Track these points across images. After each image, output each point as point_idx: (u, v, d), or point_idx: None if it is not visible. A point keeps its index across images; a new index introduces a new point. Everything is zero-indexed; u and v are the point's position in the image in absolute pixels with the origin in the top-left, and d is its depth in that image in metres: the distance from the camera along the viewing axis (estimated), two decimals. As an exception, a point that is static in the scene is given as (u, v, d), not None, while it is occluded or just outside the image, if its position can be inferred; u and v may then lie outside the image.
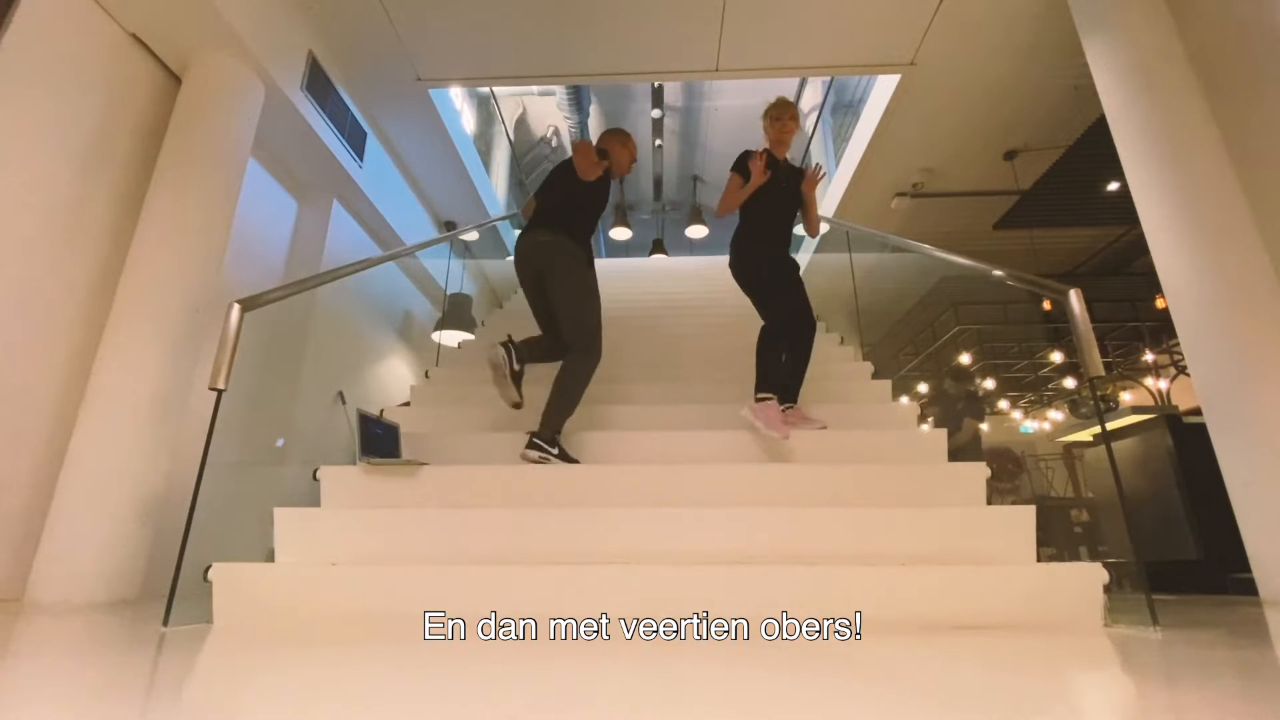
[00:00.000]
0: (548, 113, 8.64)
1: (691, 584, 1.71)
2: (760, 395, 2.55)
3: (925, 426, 2.82)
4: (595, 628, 1.54)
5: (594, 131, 9.02)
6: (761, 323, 2.79)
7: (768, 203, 2.83)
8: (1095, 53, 3.11)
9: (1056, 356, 7.64)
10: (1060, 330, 7.47)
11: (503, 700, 0.89)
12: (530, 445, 2.38)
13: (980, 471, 2.16)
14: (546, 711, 0.83)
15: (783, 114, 2.85)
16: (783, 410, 2.59)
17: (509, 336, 2.63)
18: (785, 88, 7.75)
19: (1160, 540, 3.70)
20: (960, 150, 5.16)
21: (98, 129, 2.90)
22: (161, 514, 2.61)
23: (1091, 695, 0.99)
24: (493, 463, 2.44)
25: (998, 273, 2.40)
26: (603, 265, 3.27)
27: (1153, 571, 3.01)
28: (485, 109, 7.27)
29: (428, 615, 1.69)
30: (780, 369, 2.68)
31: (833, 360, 3.73)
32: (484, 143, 7.08)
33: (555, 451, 2.39)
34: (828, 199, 6.28)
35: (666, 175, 10.21)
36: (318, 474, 2.22)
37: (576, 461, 2.42)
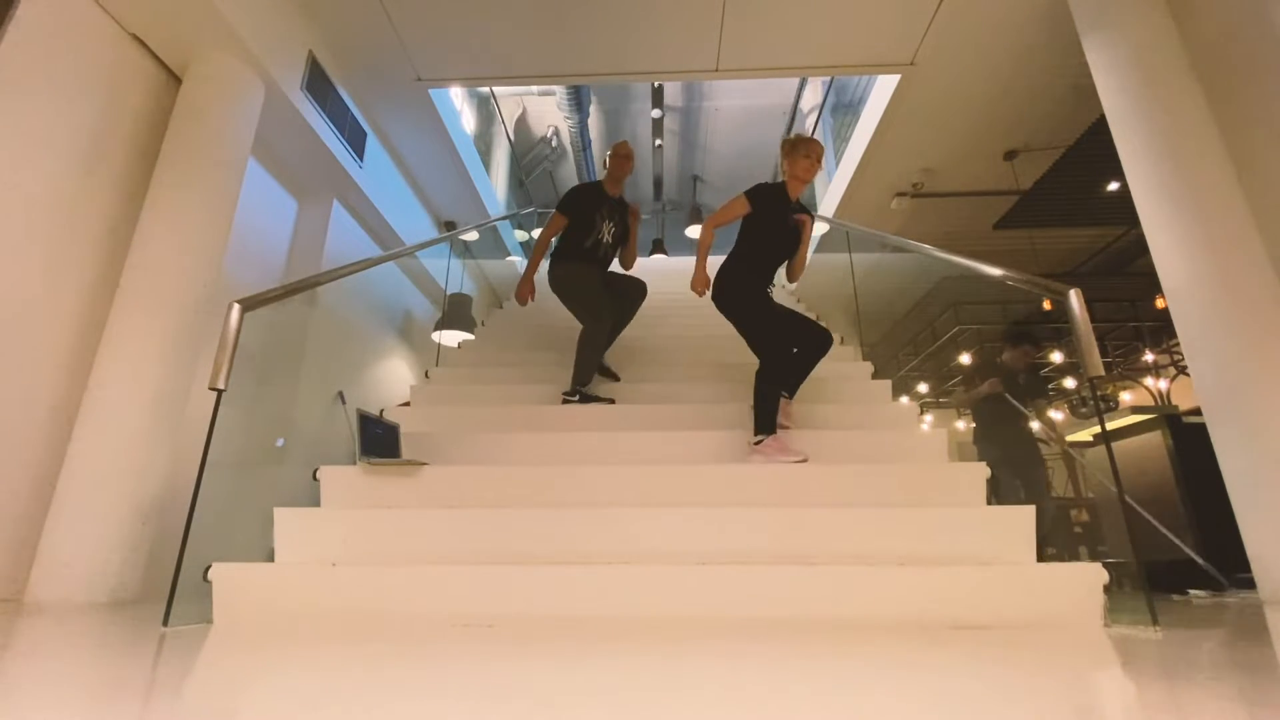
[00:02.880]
0: (548, 113, 8.64)
1: (692, 584, 1.71)
2: (758, 438, 2.41)
3: (925, 426, 2.82)
4: (596, 627, 1.54)
5: (595, 131, 9.03)
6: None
7: (775, 241, 2.74)
8: (1095, 53, 3.11)
9: (1056, 356, 7.63)
10: (1060, 330, 7.47)
11: (505, 699, 0.89)
12: (563, 400, 3.08)
13: (980, 471, 2.16)
14: (548, 710, 0.83)
15: (811, 151, 2.72)
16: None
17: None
18: (785, 88, 7.78)
19: (1160, 540, 3.70)
20: (960, 150, 5.16)
21: (98, 128, 2.90)
22: (161, 514, 2.61)
23: (1091, 695, 0.99)
24: (493, 463, 2.45)
25: (998, 273, 2.40)
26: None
27: (1153, 571, 3.01)
28: (485, 109, 7.27)
29: (427, 615, 1.69)
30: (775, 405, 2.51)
31: (833, 360, 3.73)
32: (484, 143, 7.08)
33: (576, 399, 3.05)
34: (828, 199, 6.28)
35: (666, 175, 10.21)
36: (318, 474, 2.22)
37: (608, 400, 3.10)
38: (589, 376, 3.15)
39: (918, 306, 7.63)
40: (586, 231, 3.29)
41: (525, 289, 3.35)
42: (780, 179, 2.85)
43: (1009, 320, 7.31)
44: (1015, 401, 3.96)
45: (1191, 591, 3.13)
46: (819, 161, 2.74)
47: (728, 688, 0.99)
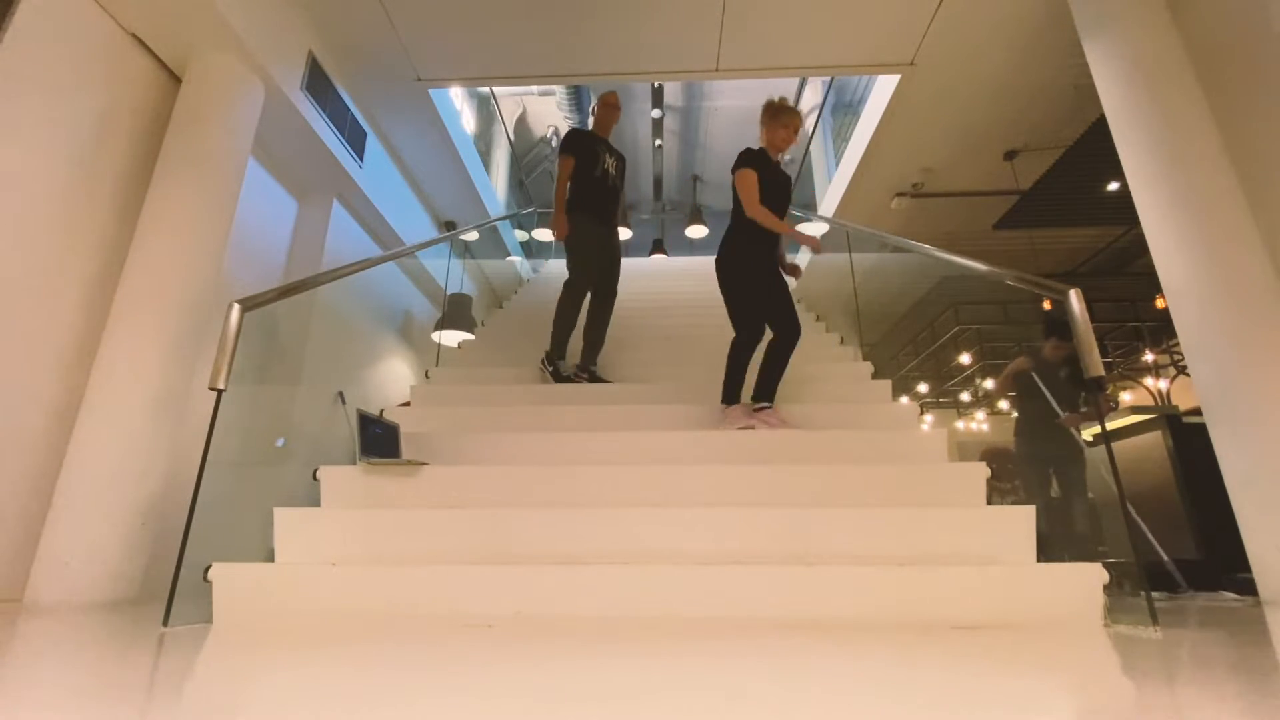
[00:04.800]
0: (548, 113, 8.65)
1: (692, 584, 1.71)
2: (726, 404, 2.73)
3: (925, 426, 2.82)
4: (595, 627, 1.54)
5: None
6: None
7: (773, 202, 2.81)
8: (1095, 53, 3.10)
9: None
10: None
11: (505, 699, 0.89)
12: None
13: (980, 471, 2.16)
14: (549, 709, 0.83)
15: (790, 122, 2.84)
16: (756, 410, 2.66)
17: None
18: (785, 88, 7.77)
19: (1160, 540, 3.70)
20: (960, 150, 5.16)
21: (98, 129, 2.90)
22: (161, 514, 2.61)
23: (1091, 695, 0.99)
24: (493, 463, 2.45)
25: (998, 273, 2.39)
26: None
27: (1153, 571, 3.01)
28: (485, 109, 7.27)
29: (427, 615, 1.69)
30: (742, 376, 2.76)
31: (833, 360, 3.73)
32: (484, 143, 7.08)
33: (551, 369, 3.37)
34: (828, 199, 6.28)
35: (666, 175, 10.21)
36: (318, 474, 2.22)
37: (571, 380, 3.31)
38: (561, 340, 3.42)
39: (918, 306, 7.63)
40: (593, 163, 3.50)
41: (560, 225, 3.46)
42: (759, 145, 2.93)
43: (1009, 321, 7.32)
44: (1053, 396, 3.90)
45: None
46: (796, 134, 2.86)
47: (727, 688, 0.99)
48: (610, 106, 3.69)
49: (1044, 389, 3.96)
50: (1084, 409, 3.93)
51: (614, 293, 3.56)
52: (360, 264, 3.26)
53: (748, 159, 2.82)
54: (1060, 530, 3.80)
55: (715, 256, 2.95)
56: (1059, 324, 4.11)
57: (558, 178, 3.54)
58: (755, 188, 2.75)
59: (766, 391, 2.72)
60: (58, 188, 2.72)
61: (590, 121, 3.74)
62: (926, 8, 3.81)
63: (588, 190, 3.47)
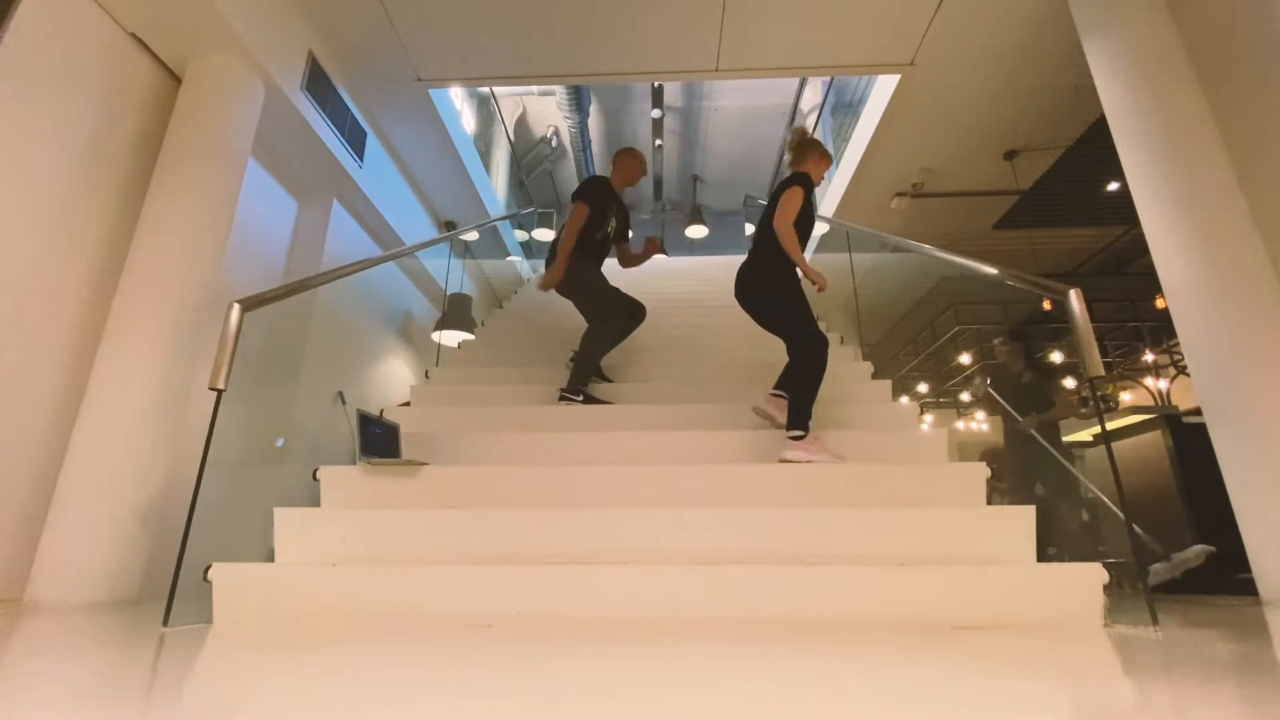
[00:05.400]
0: (548, 113, 8.65)
1: (692, 584, 1.71)
2: (801, 433, 2.39)
3: (925, 426, 2.81)
4: (595, 627, 1.54)
5: (595, 131, 9.04)
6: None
7: (798, 228, 2.73)
8: (1095, 53, 3.11)
9: (1056, 356, 7.63)
10: (1060, 330, 7.47)
11: (505, 699, 0.89)
12: (560, 399, 3.04)
13: (980, 471, 2.16)
14: (549, 709, 0.83)
15: (828, 155, 2.92)
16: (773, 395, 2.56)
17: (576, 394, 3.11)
18: (785, 88, 7.78)
19: (1160, 540, 3.70)
20: (960, 150, 5.16)
21: (97, 129, 2.90)
22: (161, 514, 2.61)
23: (1091, 695, 0.99)
24: (493, 463, 2.45)
25: (998, 273, 2.40)
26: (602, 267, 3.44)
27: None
28: (485, 109, 7.27)
29: (427, 615, 1.69)
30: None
31: (832, 360, 3.71)
32: (484, 143, 7.08)
33: (580, 398, 3.02)
34: (828, 198, 6.28)
35: (666, 175, 10.21)
36: (318, 474, 2.22)
37: (606, 402, 3.06)
38: (589, 377, 3.15)
39: (918, 306, 7.63)
40: (600, 223, 3.31)
41: (555, 279, 3.21)
42: (790, 171, 2.86)
43: (1009, 321, 7.32)
44: (1011, 399, 3.95)
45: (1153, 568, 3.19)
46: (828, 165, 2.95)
47: (727, 688, 0.99)
48: (638, 160, 3.47)
49: (998, 396, 4.07)
50: (1055, 400, 3.98)
51: (643, 311, 3.39)
52: (360, 264, 3.26)
53: (802, 180, 2.74)
54: (1050, 531, 3.82)
55: (742, 277, 2.80)
56: (1010, 331, 4.28)
57: (569, 224, 3.27)
58: (797, 209, 2.67)
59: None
60: (58, 187, 2.72)
61: (612, 173, 3.48)
62: (926, 8, 3.81)
63: (589, 243, 3.29)
